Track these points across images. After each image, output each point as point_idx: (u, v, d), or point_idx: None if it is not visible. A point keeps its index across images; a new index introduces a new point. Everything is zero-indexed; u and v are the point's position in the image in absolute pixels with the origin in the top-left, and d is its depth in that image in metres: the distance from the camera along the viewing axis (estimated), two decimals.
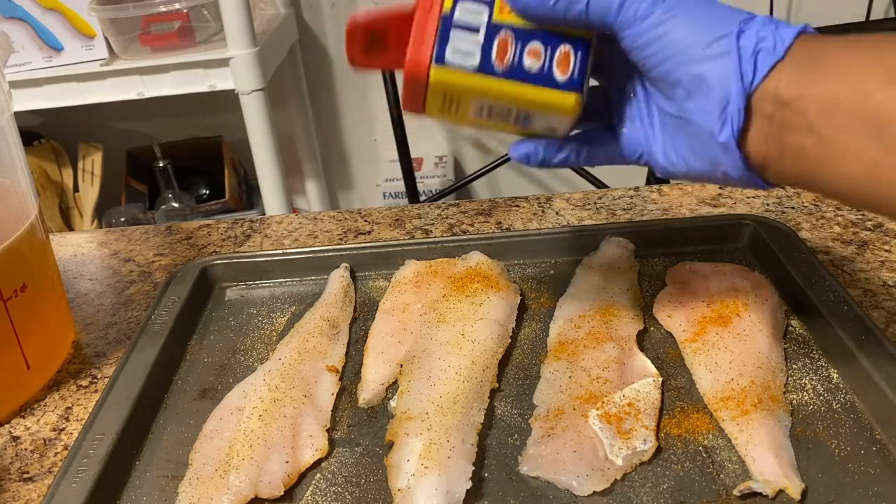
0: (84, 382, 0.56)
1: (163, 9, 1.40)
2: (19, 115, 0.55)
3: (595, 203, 0.74)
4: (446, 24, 0.39)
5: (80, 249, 0.76)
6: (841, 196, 0.36)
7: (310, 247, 0.67)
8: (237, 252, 0.71)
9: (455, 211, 0.75)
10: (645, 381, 0.48)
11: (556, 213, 0.73)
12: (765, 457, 0.42)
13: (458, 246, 0.64)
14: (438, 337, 0.52)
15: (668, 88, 0.39)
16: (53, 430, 0.51)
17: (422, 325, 0.54)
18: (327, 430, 0.48)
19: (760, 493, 0.41)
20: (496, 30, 0.39)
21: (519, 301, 0.58)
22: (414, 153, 1.37)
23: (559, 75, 0.40)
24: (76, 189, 1.72)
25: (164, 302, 0.59)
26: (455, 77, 0.40)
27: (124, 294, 0.67)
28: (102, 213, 1.72)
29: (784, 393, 0.48)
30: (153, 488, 0.45)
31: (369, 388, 0.51)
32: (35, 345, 0.54)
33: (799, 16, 1.67)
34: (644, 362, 0.50)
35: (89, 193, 1.71)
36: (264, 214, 1.35)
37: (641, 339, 0.53)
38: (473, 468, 0.43)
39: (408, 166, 1.36)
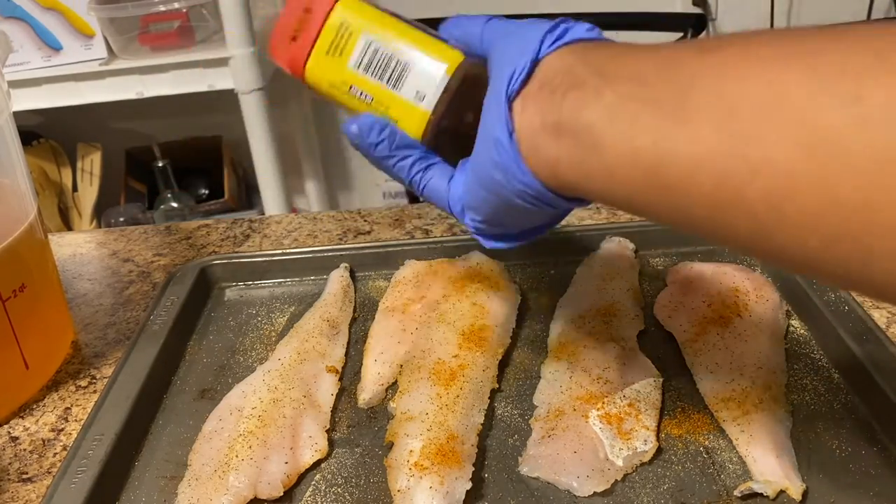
0: (83, 383, 0.56)
1: (162, 8, 1.40)
2: (18, 115, 0.55)
3: (595, 203, 0.74)
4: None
5: (79, 249, 0.76)
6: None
7: (309, 247, 0.67)
8: (236, 252, 0.71)
9: None
10: (645, 382, 0.48)
11: None
12: (765, 457, 0.42)
13: (458, 246, 0.64)
14: (438, 337, 0.52)
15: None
16: (52, 430, 0.51)
17: (422, 325, 0.54)
18: (327, 431, 0.48)
19: (761, 494, 0.41)
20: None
21: (519, 301, 0.58)
22: None
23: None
24: (75, 189, 1.72)
25: (164, 302, 0.59)
26: (361, 6, 0.43)
27: (123, 294, 0.67)
28: (101, 213, 1.72)
29: (785, 393, 0.48)
30: (152, 489, 0.45)
31: (369, 389, 0.51)
32: (34, 345, 0.54)
33: (799, 15, 1.68)
34: (644, 362, 0.50)
35: (88, 193, 1.71)
36: (264, 214, 1.35)
37: (642, 340, 0.53)
38: (473, 469, 0.43)
39: None
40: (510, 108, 0.36)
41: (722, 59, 0.29)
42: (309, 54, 0.44)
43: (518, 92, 0.36)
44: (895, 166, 0.23)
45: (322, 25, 0.43)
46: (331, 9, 0.43)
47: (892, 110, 0.23)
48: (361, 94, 0.43)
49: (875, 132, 0.23)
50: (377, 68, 0.43)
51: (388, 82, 0.43)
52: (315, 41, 0.44)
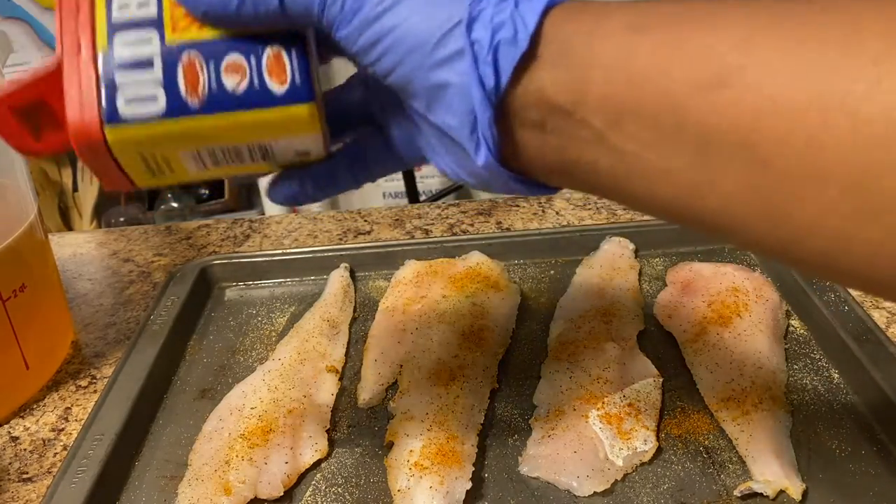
0: (83, 383, 0.56)
1: None
2: None
3: (595, 203, 0.74)
4: (107, 67, 0.30)
5: (80, 249, 0.76)
6: (655, 214, 0.29)
7: (309, 247, 0.67)
8: (237, 252, 0.71)
9: (455, 211, 0.75)
10: (645, 382, 0.48)
11: (557, 213, 0.73)
12: (765, 457, 0.42)
13: (458, 246, 0.64)
14: (438, 337, 0.52)
15: (410, 98, 0.30)
16: (52, 430, 0.51)
17: (422, 325, 0.54)
18: (327, 431, 0.48)
19: (761, 494, 0.41)
20: (175, 54, 0.30)
21: (519, 301, 0.58)
22: None
23: (276, 87, 0.30)
24: (75, 189, 1.72)
25: (164, 302, 0.59)
26: (140, 132, 0.30)
27: (124, 294, 0.67)
28: (102, 213, 1.72)
29: (785, 393, 0.48)
30: (152, 489, 0.45)
31: (369, 389, 0.51)
32: (34, 345, 0.54)
33: None
34: (644, 362, 0.50)
35: (88, 193, 1.71)
36: (264, 214, 1.35)
37: (642, 340, 0.53)
38: (473, 469, 0.43)
39: None
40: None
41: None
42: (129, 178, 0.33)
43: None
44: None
45: (115, 162, 0.31)
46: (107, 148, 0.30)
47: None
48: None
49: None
50: (229, 160, 0.32)
51: (254, 162, 0.33)
52: (120, 168, 0.32)
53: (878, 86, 0.21)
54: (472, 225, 0.72)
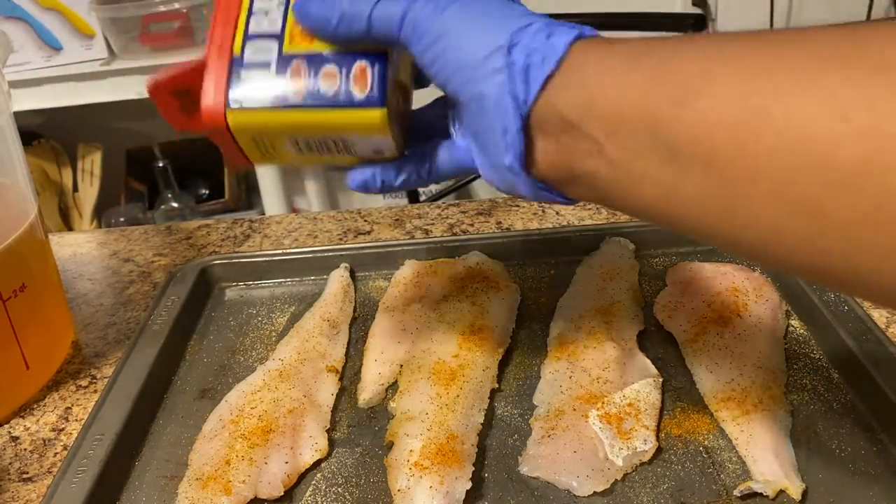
0: (83, 383, 0.56)
1: (162, 8, 1.40)
2: (19, 115, 0.55)
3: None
4: (237, 66, 0.39)
5: (80, 249, 0.76)
6: (641, 217, 0.34)
7: (310, 247, 0.67)
8: (237, 252, 0.71)
9: (455, 211, 0.75)
10: (645, 382, 0.48)
11: (557, 213, 0.73)
12: (765, 457, 0.42)
13: (458, 246, 0.64)
14: (438, 337, 0.52)
15: (460, 106, 0.37)
16: (53, 430, 0.51)
17: (422, 325, 0.54)
18: (327, 431, 0.48)
19: (761, 494, 0.41)
20: (287, 61, 0.38)
21: (519, 301, 0.58)
22: None
23: (357, 93, 0.38)
24: (75, 189, 1.72)
25: (164, 302, 0.59)
26: (253, 117, 0.38)
27: (124, 294, 0.67)
28: (102, 213, 1.72)
29: (785, 393, 0.48)
30: (153, 489, 0.45)
31: (369, 389, 0.51)
32: (34, 345, 0.54)
33: (799, 16, 1.67)
34: (644, 362, 0.50)
35: (89, 193, 1.71)
36: (264, 214, 1.35)
37: (642, 339, 0.53)
38: (473, 468, 0.43)
39: None
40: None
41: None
42: (243, 152, 0.41)
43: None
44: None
45: (235, 142, 0.40)
46: (228, 128, 0.39)
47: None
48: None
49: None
50: (319, 149, 0.40)
51: (339, 153, 0.41)
52: (239, 148, 0.41)
53: (792, 106, 0.26)
54: (472, 225, 0.72)
